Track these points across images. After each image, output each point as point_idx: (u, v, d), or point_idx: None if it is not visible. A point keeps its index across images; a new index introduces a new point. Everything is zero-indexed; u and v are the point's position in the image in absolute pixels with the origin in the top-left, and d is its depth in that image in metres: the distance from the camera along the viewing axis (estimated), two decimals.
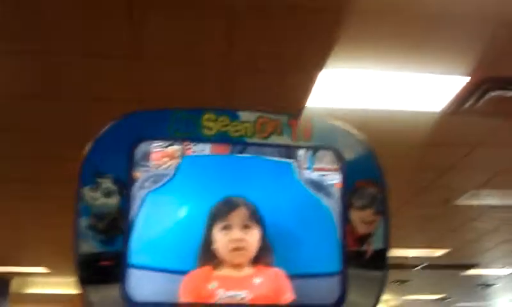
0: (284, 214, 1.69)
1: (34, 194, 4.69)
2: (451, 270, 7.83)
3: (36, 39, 2.57)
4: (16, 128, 3.53)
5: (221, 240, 1.64)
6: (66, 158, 3.84)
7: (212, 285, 1.63)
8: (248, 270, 1.66)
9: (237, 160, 1.73)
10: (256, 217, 1.66)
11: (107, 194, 1.62)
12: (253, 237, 1.65)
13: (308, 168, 1.69)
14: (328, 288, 1.65)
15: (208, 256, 1.64)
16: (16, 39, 2.60)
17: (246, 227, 1.65)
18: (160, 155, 1.67)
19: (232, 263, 1.65)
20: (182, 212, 1.67)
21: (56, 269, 8.12)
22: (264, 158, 1.71)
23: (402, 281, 8.59)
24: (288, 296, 1.65)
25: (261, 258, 1.66)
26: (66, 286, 9.34)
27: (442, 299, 11.31)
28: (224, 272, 1.65)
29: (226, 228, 1.64)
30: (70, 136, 3.62)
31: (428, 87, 2.98)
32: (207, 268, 1.65)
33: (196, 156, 1.72)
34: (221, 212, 1.65)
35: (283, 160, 1.71)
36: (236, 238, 1.64)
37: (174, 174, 1.69)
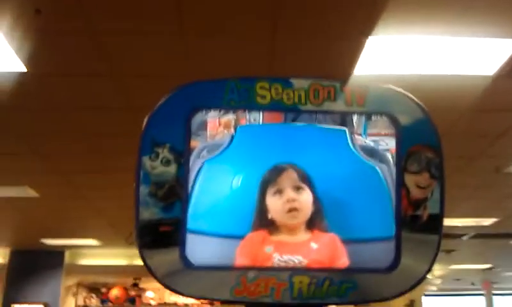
0: (336, 180, 1.70)
1: (88, 168, 4.86)
2: (499, 239, 7.69)
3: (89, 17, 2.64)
4: (74, 107, 3.64)
5: (274, 204, 1.66)
6: (119, 133, 3.98)
7: (268, 249, 1.67)
8: (303, 235, 1.68)
9: (289, 129, 1.74)
10: (306, 180, 1.67)
11: (166, 162, 1.67)
12: (305, 198, 1.67)
13: (362, 134, 1.69)
14: (383, 252, 1.66)
15: (263, 222, 1.67)
16: (71, 18, 2.67)
17: (297, 188, 1.66)
18: (216, 124, 1.71)
19: (286, 226, 1.67)
20: (237, 180, 1.71)
21: (107, 241, 8.42)
22: (317, 126, 1.72)
23: (449, 251, 8.50)
24: (344, 261, 1.67)
25: (316, 222, 1.68)
26: (116, 257, 9.68)
27: (489, 269, 11.15)
28: (280, 237, 1.67)
29: (278, 191, 1.66)
30: (126, 111, 3.73)
31: (480, 51, 2.91)
32: (262, 233, 1.68)
33: (250, 125, 1.75)
34: (271, 177, 1.67)
35: (336, 127, 1.72)
36: (289, 198, 1.65)
37: (229, 144, 1.72)
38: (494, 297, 10.00)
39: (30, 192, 5.52)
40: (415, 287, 1.65)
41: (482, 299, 9.44)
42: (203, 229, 1.69)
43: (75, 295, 12.51)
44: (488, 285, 9.32)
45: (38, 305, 8.70)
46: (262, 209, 1.68)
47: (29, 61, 3.02)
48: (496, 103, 3.57)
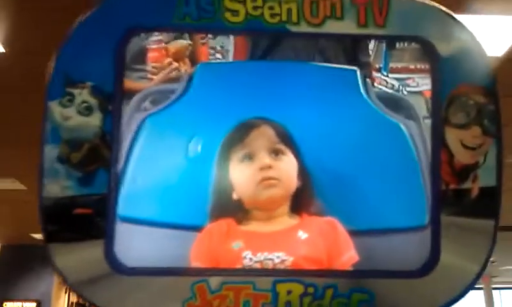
0: (338, 144, 1.15)
1: None
2: (499, 232, 7.33)
3: None
4: None
5: (241, 176, 1.12)
6: None
7: (236, 244, 1.10)
8: (286, 221, 1.13)
9: (270, 68, 1.19)
10: (288, 141, 1.14)
11: (85, 110, 1.09)
12: (287, 166, 1.13)
13: (382, 70, 1.15)
14: (411, 247, 1.10)
15: (226, 205, 1.12)
16: None
17: (275, 152, 1.13)
18: (162, 53, 1.14)
19: (260, 207, 1.12)
20: (194, 145, 1.15)
21: None
22: (312, 65, 1.18)
23: None
24: (350, 257, 1.11)
25: (304, 201, 1.13)
26: None
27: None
28: (253, 226, 1.12)
29: (247, 157, 1.13)
30: None
31: (489, 30, 2.60)
32: (228, 222, 1.12)
33: (216, 64, 1.19)
34: (236, 137, 1.13)
35: (343, 67, 1.17)
36: (263, 164, 1.12)
37: (184, 91, 1.16)
38: (493, 291, 9.69)
39: (17, 185, 5.19)
40: (462, 297, 1.11)
41: (482, 293, 9.13)
42: (142, 217, 1.12)
43: (68, 292, 11.89)
44: (487, 279, 8.98)
45: (30, 303, 8.47)
46: (223, 186, 1.12)
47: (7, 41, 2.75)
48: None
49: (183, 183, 1.14)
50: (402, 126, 1.14)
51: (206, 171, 1.14)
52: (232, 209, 1.12)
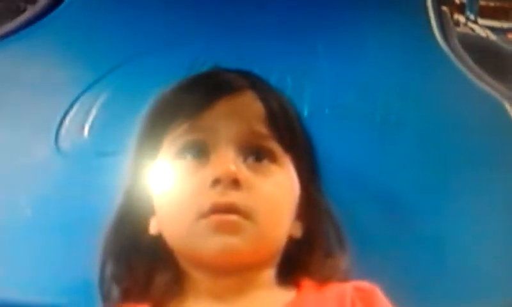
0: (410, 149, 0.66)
1: None
2: None
3: None
4: None
5: (173, 187, 0.53)
6: None
7: None
8: (268, 297, 0.53)
9: None
10: (293, 131, 0.56)
11: None
12: (276, 187, 0.53)
13: (468, 11, 0.72)
14: None
15: (135, 249, 0.55)
16: None
17: (256, 152, 0.53)
18: None
19: (212, 263, 0.51)
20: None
21: None
22: None
23: None
24: None
25: (314, 254, 0.55)
26: None
27: None
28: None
29: (193, 148, 0.53)
30: None
31: None
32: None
33: None
34: (175, 109, 0.56)
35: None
36: (222, 172, 0.51)
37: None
38: None
39: None
40: None
41: None
42: None
43: None
44: None
45: None
46: (130, 205, 0.57)
47: None
48: None
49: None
50: (506, 104, 0.64)
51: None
52: (145, 263, 0.54)
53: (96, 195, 0.62)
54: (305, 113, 0.62)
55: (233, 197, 0.50)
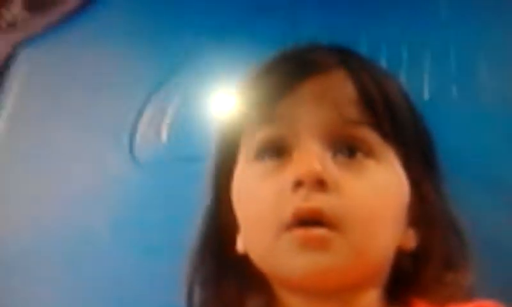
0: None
1: None
2: None
3: None
4: None
5: (251, 199, 0.44)
6: None
7: None
8: None
9: None
10: (399, 115, 0.45)
11: None
12: (375, 186, 0.42)
13: None
14: None
15: (220, 269, 0.48)
16: None
17: (348, 145, 0.43)
18: None
19: (302, 285, 0.42)
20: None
21: None
22: None
23: None
24: None
25: (430, 273, 0.44)
26: None
27: None
28: None
29: (270, 150, 0.44)
30: None
31: None
32: None
33: None
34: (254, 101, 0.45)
35: None
36: (304, 173, 0.40)
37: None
38: None
39: None
40: None
41: None
42: None
43: None
44: None
45: None
46: (216, 228, 0.48)
47: None
48: None
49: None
50: None
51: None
52: (235, 287, 0.47)
53: (182, 209, 0.52)
54: (425, 95, 0.50)
55: (319, 201, 0.40)
